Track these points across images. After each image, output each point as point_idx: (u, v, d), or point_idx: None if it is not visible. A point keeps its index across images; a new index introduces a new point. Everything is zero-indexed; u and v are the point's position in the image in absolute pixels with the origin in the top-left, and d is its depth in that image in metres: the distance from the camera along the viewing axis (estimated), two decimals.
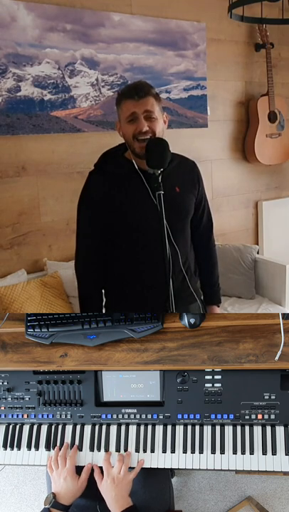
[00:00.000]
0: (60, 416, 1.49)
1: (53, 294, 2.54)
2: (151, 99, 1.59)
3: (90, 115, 2.73)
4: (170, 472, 1.63)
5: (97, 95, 2.74)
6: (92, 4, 2.63)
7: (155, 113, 1.60)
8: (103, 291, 1.84)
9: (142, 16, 2.79)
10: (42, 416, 1.50)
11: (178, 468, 1.46)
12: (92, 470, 1.41)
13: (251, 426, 1.40)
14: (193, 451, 1.40)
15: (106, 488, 1.34)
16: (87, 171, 1.77)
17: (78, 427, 1.49)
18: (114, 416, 1.46)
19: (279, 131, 3.39)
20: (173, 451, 1.41)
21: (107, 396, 1.48)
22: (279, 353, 1.35)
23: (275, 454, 1.36)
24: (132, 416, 1.45)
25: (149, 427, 1.45)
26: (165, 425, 1.44)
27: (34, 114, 2.56)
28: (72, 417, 1.49)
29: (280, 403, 1.38)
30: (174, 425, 1.43)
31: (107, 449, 1.44)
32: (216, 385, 1.41)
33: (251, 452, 1.37)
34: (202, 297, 1.92)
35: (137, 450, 1.42)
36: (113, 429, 1.47)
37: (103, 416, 1.47)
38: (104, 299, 1.85)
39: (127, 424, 1.46)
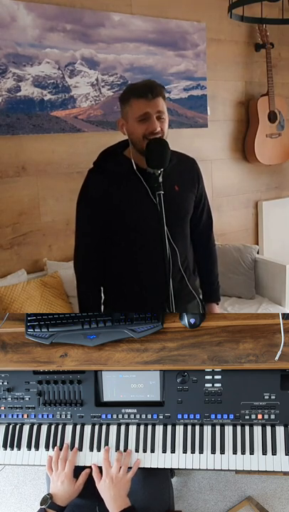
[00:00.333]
0: (60, 416, 1.49)
1: (53, 294, 2.54)
2: (162, 99, 1.58)
3: (90, 115, 2.73)
4: (170, 472, 1.63)
5: (97, 95, 2.74)
6: (92, 4, 2.63)
7: (165, 113, 1.59)
8: (102, 289, 1.84)
9: (142, 16, 2.79)
10: (42, 416, 1.50)
11: (178, 468, 1.46)
12: (91, 469, 1.41)
13: (251, 426, 1.40)
14: (193, 451, 1.40)
15: (104, 488, 1.34)
16: (87, 171, 1.76)
17: (78, 427, 1.49)
18: (114, 416, 1.46)
19: (279, 131, 3.39)
20: (173, 451, 1.41)
21: (107, 396, 1.48)
22: (279, 353, 1.35)
23: (275, 454, 1.36)
24: (132, 416, 1.45)
25: (149, 427, 1.45)
26: (165, 425, 1.44)
27: (34, 114, 2.56)
28: (72, 417, 1.49)
29: (280, 403, 1.38)
30: (174, 425, 1.43)
31: None
32: (216, 385, 1.41)
33: (251, 452, 1.37)
34: (201, 295, 1.91)
35: (137, 450, 1.43)
36: (113, 429, 1.47)
37: (103, 416, 1.47)
38: (103, 297, 1.85)
39: (127, 424, 1.46)
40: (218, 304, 1.97)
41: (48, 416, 1.50)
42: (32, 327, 1.49)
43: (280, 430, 1.39)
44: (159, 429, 1.44)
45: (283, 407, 1.38)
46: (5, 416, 1.52)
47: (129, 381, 1.46)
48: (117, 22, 2.72)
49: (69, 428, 1.49)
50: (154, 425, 1.45)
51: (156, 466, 1.40)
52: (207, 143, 3.26)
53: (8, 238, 2.63)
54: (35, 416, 1.51)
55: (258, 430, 1.39)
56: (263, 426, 1.39)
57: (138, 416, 1.45)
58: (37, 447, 1.49)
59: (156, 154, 1.53)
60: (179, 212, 1.72)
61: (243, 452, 1.38)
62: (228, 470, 1.40)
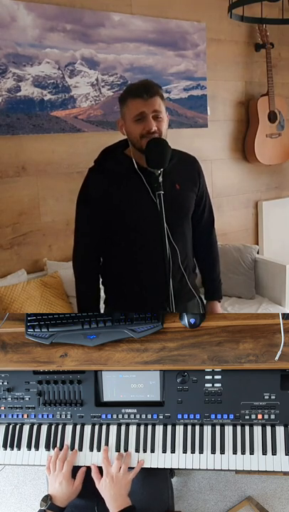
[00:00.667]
0: (60, 416, 1.49)
1: (53, 294, 2.54)
2: (159, 99, 1.58)
3: (90, 115, 2.73)
4: (170, 472, 1.63)
5: (97, 95, 2.74)
6: (92, 4, 2.63)
7: (162, 113, 1.59)
8: (103, 288, 1.84)
9: (142, 15, 2.79)
10: (42, 416, 1.50)
11: (178, 468, 1.46)
12: (90, 470, 1.41)
13: (251, 426, 1.40)
14: (193, 451, 1.40)
15: (105, 487, 1.34)
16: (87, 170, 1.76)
17: (78, 427, 1.49)
18: (114, 416, 1.46)
19: (279, 131, 3.39)
20: (173, 451, 1.41)
21: (107, 396, 1.48)
22: (279, 353, 1.35)
23: (275, 454, 1.36)
24: (132, 416, 1.45)
25: (149, 427, 1.45)
26: (165, 425, 1.44)
27: (34, 114, 2.56)
28: (72, 417, 1.49)
29: (280, 403, 1.38)
30: (174, 425, 1.43)
31: None
32: (216, 385, 1.41)
33: (251, 452, 1.37)
34: (201, 294, 1.91)
35: (137, 450, 1.42)
36: (113, 429, 1.47)
37: (103, 416, 1.47)
38: (104, 296, 1.85)
39: (127, 424, 1.46)
40: (220, 302, 1.97)
41: (48, 416, 1.50)
42: (32, 327, 1.49)
43: (280, 430, 1.39)
44: (159, 429, 1.44)
45: (283, 407, 1.38)
46: (5, 416, 1.52)
47: (129, 381, 1.46)
48: (117, 22, 2.72)
49: (69, 428, 1.49)
50: (154, 425, 1.45)
51: (156, 466, 1.40)
52: (207, 143, 3.26)
53: (8, 238, 2.63)
54: (35, 416, 1.51)
55: (258, 430, 1.39)
56: (263, 426, 1.39)
57: (138, 416, 1.45)
58: (37, 447, 1.49)
59: (155, 154, 1.53)
60: (180, 211, 1.72)
61: (243, 452, 1.38)
62: (228, 470, 1.40)
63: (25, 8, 2.43)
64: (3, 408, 1.52)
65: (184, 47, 2.99)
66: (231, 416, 1.40)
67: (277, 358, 1.35)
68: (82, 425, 1.49)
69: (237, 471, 1.97)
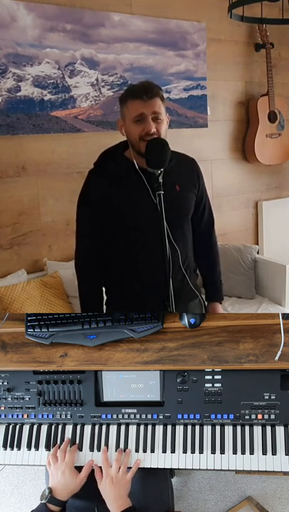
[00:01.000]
0: (60, 416, 1.49)
1: (53, 294, 2.54)
2: (159, 100, 1.58)
3: (90, 115, 2.73)
4: (170, 472, 1.63)
5: (97, 95, 2.74)
6: (92, 4, 2.63)
7: (162, 114, 1.59)
8: (104, 289, 1.84)
9: (142, 15, 2.79)
10: (42, 416, 1.50)
11: (178, 468, 1.46)
12: (93, 470, 1.40)
13: (251, 426, 1.40)
14: (193, 451, 1.40)
15: (105, 488, 1.34)
16: (87, 171, 1.77)
17: (78, 427, 1.49)
18: (114, 416, 1.46)
19: (279, 131, 3.39)
20: (173, 451, 1.41)
21: (107, 396, 1.48)
22: (279, 353, 1.35)
23: (275, 454, 1.36)
24: (132, 416, 1.45)
25: (149, 427, 1.45)
26: (165, 425, 1.44)
27: (34, 114, 2.56)
28: (72, 417, 1.49)
29: (280, 403, 1.38)
30: (174, 425, 1.43)
31: (106, 449, 1.44)
32: (216, 385, 1.41)
33: (251, 452, 1.37)
34: (202, 294, 1.91)
35: (137, 450, 1.43)
36: (113, 429, 1.47)
37: (103, 416, 1.47)
38: (106, 297, 1.85)
39: (127, 424, 1.46)
40: (221, 303, 1.97)
41: (48, 416, 1.50)
42: (32, 327, 1.49)
43: (280, 430, 1.39)
44: (159, 429, 1.44)
45: (283, 407, 1.38)
46: (5, 416, 1.52)
47: (129, 381, 1.46)
48: (117, 22, 2.72)
49: (69, 428, 1.49)
50: (154, 425, 1.45)
51: (156, 466, 1.40)
52: (207, 143, 3.26)
53: (8, 238, 2.63)
54: (35, 416, 1.51)
55: (258, 430, 1.39)
56: (263, 426, 1.39)
57: (138, 416, 1.45)
58: (37, 447, 1.49)
59: (155, 154, 1.53)
60: (180, 211, 1.72)
61: (243, 452, 1.38)
62: (228, 470, 1.40)
63: (25, 8, 2.43)
64: (3, 408, 1.52)
65: (184, 47, 2.99)
66: (231, 416, 1.40)
67: (277, 358, 1.35)
68: (82, 425, 1.49)
69: (237, 471, 1.97)
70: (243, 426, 1.40)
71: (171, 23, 2.91)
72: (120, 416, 1.46)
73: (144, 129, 1.57)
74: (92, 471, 1.40)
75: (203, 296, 1.93)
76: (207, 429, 1.42)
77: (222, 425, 1.41)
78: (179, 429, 1.43)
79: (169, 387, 1.44)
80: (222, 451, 1.38)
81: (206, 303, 1.93)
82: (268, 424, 1.39)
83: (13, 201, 2.61)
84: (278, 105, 3.34)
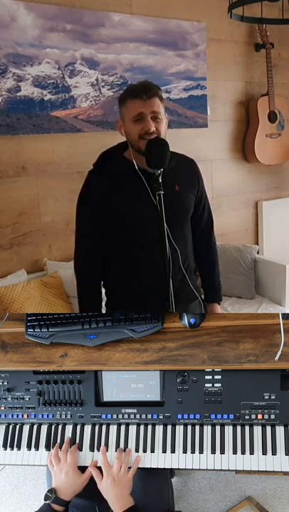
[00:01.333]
0: (60, 416, 1.49)
1: (53, 294, 2.54)
2: (158, 100, 1.59)
3: (90, 115, 2.73)
4: (170, 472, 1.63)
5: (97, 95, 2.74)
6: (92, 4, 2.63)
7: (161, 114, 1.60)
8: (104, 290, 1.84)
9: (142, 15, 2.79)
10: (42, 416, 1.50)
11: (178, 468, 1.46)
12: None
13: (251, 426, 1.40)
14: (193, 451, 1.40)
15: (106, 488, 1.33)
16: (87, 171, 1.77)
17: (78, 427, 1.49)
18: (114, 416, 1.46)
19: (279, 131, 3.39)
20: (173, 451, 1.41)
21: (107, 396, 1.48)
22: (279, 353, 1.35)
23: (275, 454, 1.36)
24: (132, 416, 1.45)
25: (149, 427, 1.45)
26: (165, 425, 1.44)
27: (34, 114, 2.56)
28: (72, 417, 1.49)
29: (280, 403, 1.38)
30: (174, 425, 1.43)
31: (107, 449, 1.43)
32: (216, 385, 1.41)
33: (251, 452, 1.37)
34: (202, 295, 1.92)
35: (137, 450, 1.43)
36: (113, 429, 1.47)
37: (103, 416, 1.47)
38: (105, 298, 1.85)
39: (127, 424, 1.46)
40: (219, 304, 1.97)
41: (48, 416, 1.50)
42: (32, 327, 1.49)
43: (280, 430, 1.39)
44: (159, 429, 1.44)
45: (283, 407, 1.38)
46: (5, 416, 1.52)
47: (129, 381, 1.46)
48: (117, 22, 2.72)
49: (69, 428, 1.49)
50: (154, 425, 1.45)
51: (156, 466, 1.40)
52: (207, 143, 3.26)
53: (8, 238, 2.63)
54: (35, 416, 1.51)
55: (258, 430, 1.39)
56: (263, 426, 1.39)
57: (138, 416, 1.45)
58: (37, 447, 1.49)
59: (155, 154, 1.53)
60: (180, 211, 1.72)
61: (243, 452, 1.38)
62: (228, 470, 1.40)
63: (25, 8, 2.43)
64: (3, 408, 1.52)
65: (184, 47, 2.99)
66: (231, 416, 1.40)
67: (277, 358, 1.35)
68: (82, 425, 1.49)
69: (237, 471, 1.97)
70: (243, 426, 1.40)
71: (171, 23, 2.91)
72: (120, 416, 1.46)
73: (144, 128, 1.57)
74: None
75: (203, 297, 1.93)
76: (207, 429, 1.42)
77: (222, 425, 1.41)
78: (179, 429, 1.43)
79: (169, 387, 1.44)
80: (222, 451, 1.39)
81: (205, 304, 1.93)
82: (267, 424, 1.39)
83: (13, 201, 2.61)
84: (278, 105, 3.34)
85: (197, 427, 1.42)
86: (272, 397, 1.38)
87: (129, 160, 1.67)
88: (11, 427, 1.53)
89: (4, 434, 1.52)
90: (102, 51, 2.70)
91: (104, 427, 1.47)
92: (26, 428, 1.52)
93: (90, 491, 1.39)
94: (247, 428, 1.40)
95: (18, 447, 1.50)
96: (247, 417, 1.39)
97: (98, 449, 1.44)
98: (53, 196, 2.72)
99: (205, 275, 1.94)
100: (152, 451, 1.42)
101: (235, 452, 1.38)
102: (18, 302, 2.40)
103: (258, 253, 3.22)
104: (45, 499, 1.34)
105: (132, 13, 2.77)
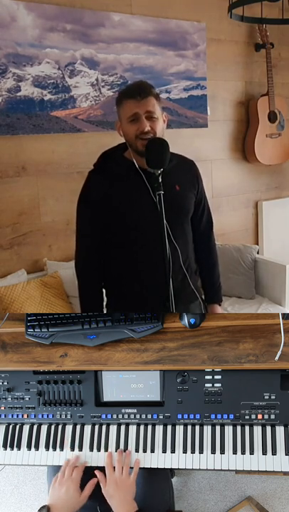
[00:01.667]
0: (60, 416, 1.49)
1: (53, 294, 2.54)
2: (153, 99, 1.60)
3: (90, 115, 2.73)
4: (170, 472, 1.63)
5: (97, 95, 2.74)
6: (92, 4, 2.63)
7: (156, 113, 1.61)
8: (104, 290, 1.84)
9: (142, 15, 2.79)
10: (42, 416, 1.50)
11: (178, 468, 1.46)
12: (94, 468, 1.40)
13: (251, 426, 1.40)
14: (193, 451, 1.40)
15: (110, 493, 1.32)
16: (87, 171, 1.77)
17: (78, 427, 1.49)
18: (114, 416, 1.46)
19: (279, 131, 3.39)
20: (173, 451, 1.41)
21: (107, 396, 1.48)
22: (279, 353, 1.35)
23: (275, 454, 1.36)
24: (132, 416, 1.45)
25: (149, 427, 1.45)
26: (165, 425, 1.44)
27: (34, 114, 2.56)
28: (72, 417, 1.49)
29: (280, 403, 1.38)
30: (174, 425, 1.43)
31: (107, 449, 1.44)
32: (216, 385, 1.41)
33: (251, 452, 1.37)
34: (203, 296, 1.92)
35: (137, 450, 1.42)
36: (113, 429, 1.47)
37: (103, 416, 1.47)
38: (106, 299, 1.85)
39: (127, 424, 1.46)
40: (220, 305, 1.98)
41: (48, 416, 1.50)
42: (32, 327, 1.49)
43: (280, 430, 1.39)
44: (159, 429, 1.44)
45: (283, 407, 1.38)
46: (5, 416, 1.52)
47: (129, 381, 1.46)
48: (117, 22, 2.72)
49: (69, 428, 1.49)
50: (154, 425, 1.45)
51: (156, 466, 1.40)
52: (207, 143, 3.26)
53: (8, 238, 2.63)
54: (35, 416, 1.51)
55: (258, 430, 1.39)
56: (263, 426, 1.39)
57: (138, 416, 1.45)
58: (37, 447, 1.49)
59: (155, 154, 1.53)
60: (180, 211, 1.73)
61: (243, 452, 1.38)
62: (228, 470, 1.40)
63: (25, 8, 2.43)
64: (3, 408, 1.52)
65: (184, 47, 2.99)
66: (231, 416, 1.40)
67: (277, 358, 1.35)
68: (82, 425, 1.49)
69: (237, 471, 1.98)
70: (243, 426, 1.40)
71: (171, 23, 2.91)
72: (120, 416, 1.46)
73: (139, 128, 1.59)
74: (93, 468, 1.39)
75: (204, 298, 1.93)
76: (207, 429, 1.42)
77: (222, 425, 1.41)
78: (179, 429, 1.43)
79: (169, 387, 1.44)
80: (222, 451, 1.38)
81: (206, 304, 1.94)
82: (267, 424, 1.39)
83: (13, 201, 2.61)
84: (278, 105, 3.34)
85: (197, 427, 1.42)
86: (272, 397, 1.38)
87: (129, 160, 1.68)
88: (11, 427, 1.53)
89: (4, 434, 1.52)
90: (102, 51, 2.70)
91: (104, 427, 1.47)
92: (26, 428, 1.52)
93: (92, 491, 1.38)
94: (247, 428, 1.40)
95: (18, 447, 1.50)
96: (247, 417, 1.39)
97: (98, 449, 1.44)
98: (53, 196, 2.72)
99: (205, 276, 1.94)
100: (152, 451, 1.42)
101: (235, 452, 1.38)
102: (18, 302, 2.40)
103: (258, 253, 3.22)
104: None
105: (132, 13, 2.77)
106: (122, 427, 1.46)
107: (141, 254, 1.70)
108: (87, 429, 1.48)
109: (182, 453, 1.40)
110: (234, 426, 1.41)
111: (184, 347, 1.43)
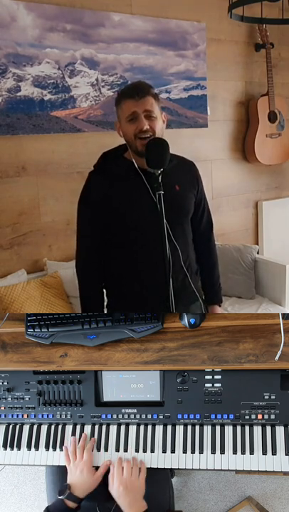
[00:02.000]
0: (60, 416, 1.49)
1: (53, 294, 2.54)
2: (151, 98, 1.60)
3: (90, 115, 2.73)
4: (170, 472, 1.63)
5: (97, 95, 2.74)
6: (92, 4, 2.63)
7: (155, 112, 1.61)
8: (104, 291, 1.84)
9: (142, 15, 2.79)
10: (42, 416, 1.50)
11: (178, 468, 1.46)
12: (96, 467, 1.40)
13: (251, 426, 1.40)
14: (193, 451, 1.40)
15: (119, 495, 1.32)
16: (87, 171, 1.77)
17: (78, 427, 1.49)
18: (114, 416, 1.46)
19: (279, 131, 3.39)
20: (173, 451, 1.41)
21: (107, 396, 1.48)
22: (279, 353, 1.35)
23: (275, 454, 1.36)
24: (132, 416, 1.45)
25: (149, 427, 1.45)
26: (165, 425, 1.44)
27: (34, 114, 2.56)
28: (72, 417, 1.49)
29: (280, 403, 1.38)
30: (174, 425, 1.43)
31: (106, 449, 1.44)
32: (216, 385, 1.41)
33: (251, 452, 1.37)
34: (203, 296, 1.92)
35: (137, 450, 1.42)
36: (113, 429, 1.47)
37: (103, 416, 1.47)
38: (106, 299, 1.85)
39: (127, 424, 1.46)
40: (220, 306, 1.98)
41: (48, 416, 1.50)
42: (32, 327, 1.49)
43: (280, 430, 1.39)
44: (159, 429, 1.44)
45: (283, 407, 1.38)
46: (5, 416, 1.52)
47: (129, 381, 1.46)
48: (117, 22, 2.72)
49: (69, 428, 1.49)
50: (154, 425, 1.45)
51: (156, 466, 1.40)
52: (207, 143, 3.26)
53: (8, 238, 2.63)
54: (35, 416, 1.51)
55: (258, 430, 1.39)
56: (263, 426, 1.39)
57: (138, 416, 1.45)
58: (37, 447, 1.49)
59: (155, 154, 1.53)
60: (180, 211, 1.73)
61: (243, 452, 1.38)
62: (228, 470, 1.40)
63: (25, 8, 2.43)
64: (3, 408, 1.52)
65: (184, 47, 2.99)
66: (231, 416, 1.40)
67: (277, 358, 1.35)
68: (82, 425, 1.49)
69: (237, 471, 1.97)
70: (243, 426, 1.40)
71: (171, 23, 2.91)
72: (120, 416, 1.46)
73: (138, 127, 1.59)
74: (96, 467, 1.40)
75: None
76: (207, 429, 1.41)
77: (222, 425, 1.41)
78: (179, 429, 1.43)
79: (169, 387, 1.44)
80: (222, 451, 1.38)
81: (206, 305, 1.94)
82: (267, 424, 1.39)
83: (13, 201, 2.61)
84: (278, 105, 3.34)
85: (197, 427, 1.42)
86: (272, 397, 1.38)
87: (129, 160, 1.68)
88: (11, 427, 1.53)
89: (4, 434, 1.52)
90: (102, 51, 2.70)
91: (104, 427, 1.47)
92: (26, 428, 1.52)
93: (91, 492, 1.39)
94: (247, 428, 1.40)
95: (18, 447, 1.50)
96: (247, 417, 1.39)
97: (98, 449, 1.44)
98: (53, 196, 2.72)
99: (205, 277, 1.94)
100: (152, 451, 1.42)
101: (235, 452, 1.38)
102: (18, 302, 2.40)
103: (258, 253, 3.22)
104: (59, 494, 1.35)
105: (132, 13, 2.77)
106: (122, 427, 1.46)
107: (141, 254, 1.70)
108: (87, 429, 1.48)
109: (182, 453, 1.40)
110: (234, 426, 1.41)
111: (184, 347, 1.43)
